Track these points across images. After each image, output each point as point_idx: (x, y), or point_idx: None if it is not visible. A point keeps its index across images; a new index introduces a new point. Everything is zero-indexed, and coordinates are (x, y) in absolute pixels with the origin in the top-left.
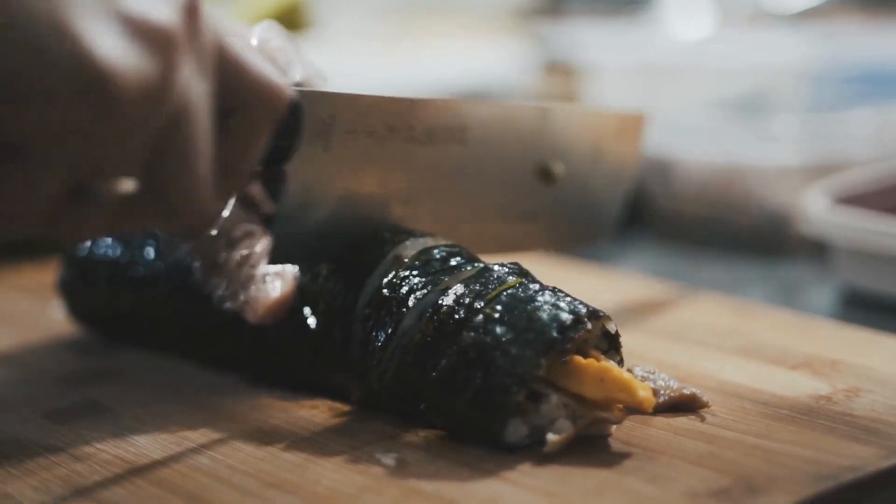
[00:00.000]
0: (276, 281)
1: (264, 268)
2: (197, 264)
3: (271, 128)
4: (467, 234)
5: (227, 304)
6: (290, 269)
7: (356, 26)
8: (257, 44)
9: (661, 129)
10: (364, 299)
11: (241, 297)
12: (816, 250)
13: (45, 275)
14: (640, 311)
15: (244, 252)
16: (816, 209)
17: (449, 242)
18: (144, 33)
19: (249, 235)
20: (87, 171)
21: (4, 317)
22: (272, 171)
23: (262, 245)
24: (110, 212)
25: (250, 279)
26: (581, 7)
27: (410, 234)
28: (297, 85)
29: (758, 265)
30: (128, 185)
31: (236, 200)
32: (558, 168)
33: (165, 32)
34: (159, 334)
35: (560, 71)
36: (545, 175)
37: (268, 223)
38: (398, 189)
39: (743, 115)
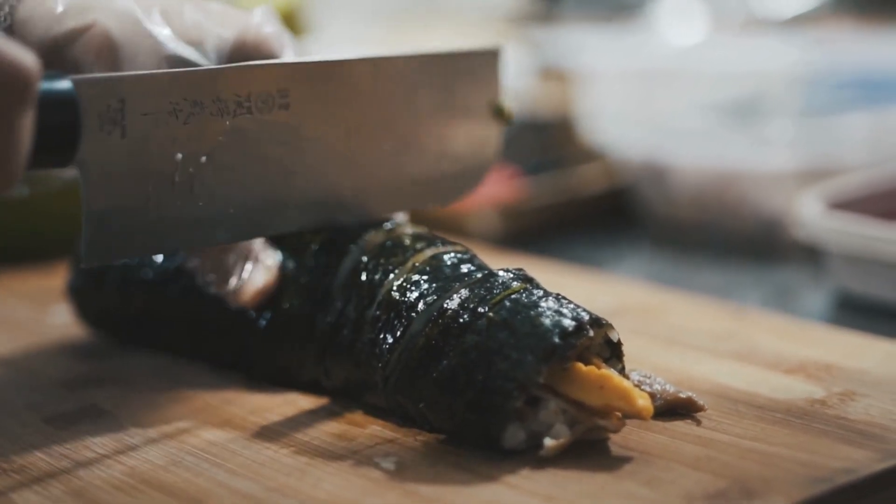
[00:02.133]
0: (260, 267)
1: (250, 255)
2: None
3: (19, 114)
4: (307, 203)
5: (213, 290)
6: (275, 257)
7: (351, 31)
8: (260, 24)
9: (655, 133)
10: (338, 283)
11: (227, 284)
12: (810, 255)
13: (46, 280)
14: (636, 316)
15: None
16: (810, 214)
17: (460, 248)
18: None
19: None
20: None
21: (5, 322)
22: (61, 166)
23: None
24: None
25: (236, 265)
26: (575, 13)
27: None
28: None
29: (752, 269)
30: None
31: None
32: (509, 107)
33: None
34: (169, 336)
35: (554, 76)
36: (498, 114)
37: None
38: (219, 165)
39: (737, 120)
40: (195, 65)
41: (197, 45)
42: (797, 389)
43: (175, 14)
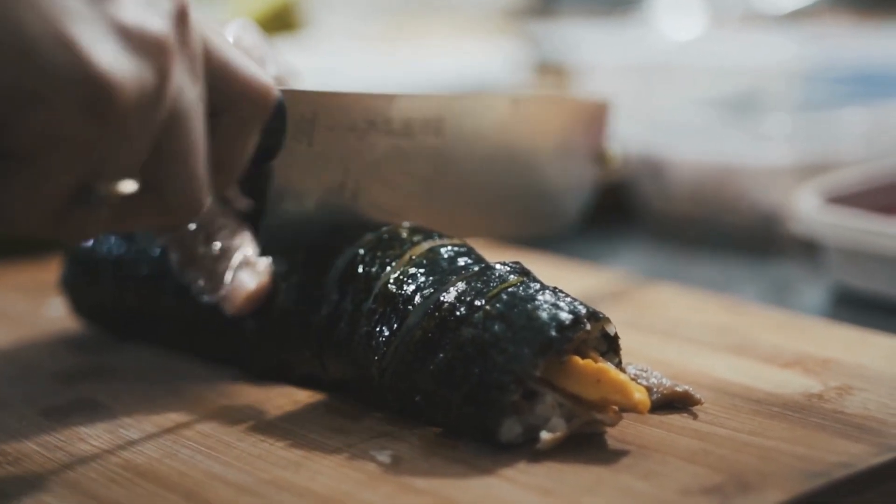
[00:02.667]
0: (251, 273)
1: (240, 260)
2: (175, 257)
3: (259, 125)
4: (441, 218)
5: (205, 297)
6: (265, 261)
7: (348, 26)
8: (232, 41)
9: (653, 128)
10: (332, 279)
11: (219, 290)
12: (808, 249)
13: (42, 273)
14: (633, 309)
15: (221, 245)
16: (808, 208)
17: (458, 241)
18: (140, 42)
19: (226, 229)
20: (88, 176)
21: (1, 315)
22: (259, 168)
23: (238, 239)
24: (111, 212)
25: (227, 272)
26: (573, 7)
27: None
28: (278, 84)
29: (749, 264)
30: (128, 185)
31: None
32: (612, 153)
33: (159, 41)
34: (164, 330)
35: (552, 71)
36: (603, 160)
37: (250, 218)
38: (381, 179)
39: (734, 114)
40: None
41: None
42: (794, 383)
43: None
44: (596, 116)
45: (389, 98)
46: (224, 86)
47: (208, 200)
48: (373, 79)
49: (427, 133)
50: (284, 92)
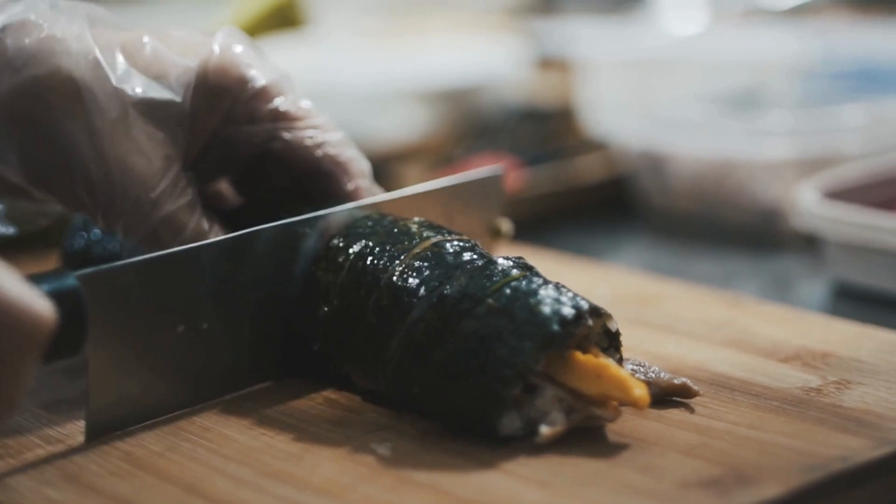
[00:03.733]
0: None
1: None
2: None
3: (35, 352)
4: None
5: None
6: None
7: (351, 23)
8: (223, 47)
9: (653, 123)
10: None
11: None
12: (808, 244)
13: (41, 269)
14: (632, 304)
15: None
16: (808, 203)
17: (464, 237)
18: None
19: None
20: None
21: None
22: (73, 355)
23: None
24: None
25: None
26: (574, 3)
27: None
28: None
29: (749, 259)
30: None
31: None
32: (506, 226)
33: None
34: None
35: (554, 67)
36: (496, 233)
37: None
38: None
39: (735, 109)
40: (163, 104)
41: (161, 78)
42: (793, 378)
43: (136, 49)
44: (488, 191)
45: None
46: None
47: None
48: (375, 75)
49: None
50: (82, 279)
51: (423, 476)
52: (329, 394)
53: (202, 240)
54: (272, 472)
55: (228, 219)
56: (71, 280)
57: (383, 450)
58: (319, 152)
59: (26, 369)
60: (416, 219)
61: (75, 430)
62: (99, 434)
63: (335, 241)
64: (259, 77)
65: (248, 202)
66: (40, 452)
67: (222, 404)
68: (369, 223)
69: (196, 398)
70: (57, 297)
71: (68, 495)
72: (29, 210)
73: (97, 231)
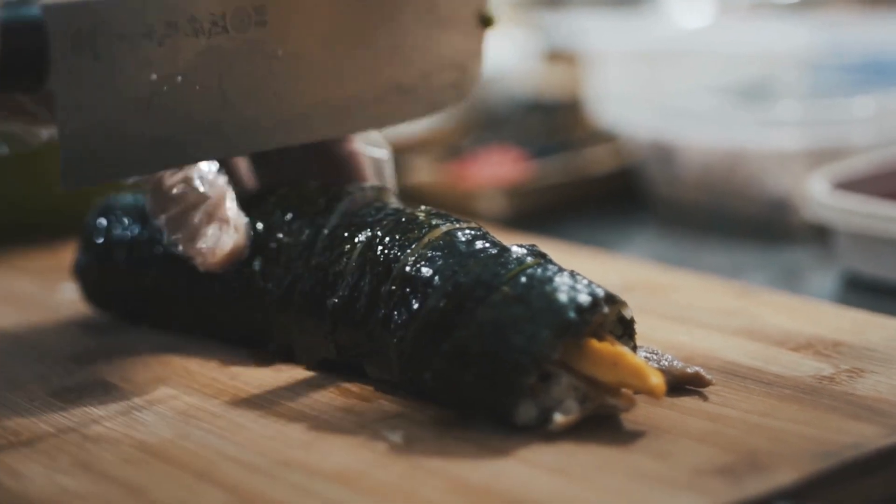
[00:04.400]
0: (229, 230)
1: (217, 216)
2: (149, 202)
3: None
4: (294, 127)
5: (180, 249)
6: (244, 220)
7: None
8: None
9: (662, 114)
10: (349, 261)
11: (194, 244)
12: (818, 235)
13: (54, 258)
14: (642, 294)
15: (200, 195)
16: (817, 194)
17: (475, 225)
18: None
19: (206, 181)
20: None
21: (13, 298)
22: (37, 91)
23: (218, 193)
24: None
25: (202, 225)
26: None
27: (361, 188)
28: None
29: (759, 250)
30: None
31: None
32: (491, 14)
33: None
34: (177, 312)
35: (562, 59)
36: (484, 21)
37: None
38: (196, 88)
39: (745, 101)
40: None
41: None
42: (805, 366)
43: None
44: None
45: None
46: None
47: None
48: None
49: (245, 27)
50: (44, 7)
51: (435, 463)
52: (340, 382)
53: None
54: (284, 459)
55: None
56: (35, 9)
57: (395, 437)
58: (344, 145)
59: None
60: (423, 207)
61: (87, 419)
62: (77, 182)
63: (339, 231)
64: None
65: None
66: (52, 440)
67: (233, 392)
68: (372, 211)
69: (179, 156)
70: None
71: (81, 483)
72: (18, 132)
73: (119, 214)
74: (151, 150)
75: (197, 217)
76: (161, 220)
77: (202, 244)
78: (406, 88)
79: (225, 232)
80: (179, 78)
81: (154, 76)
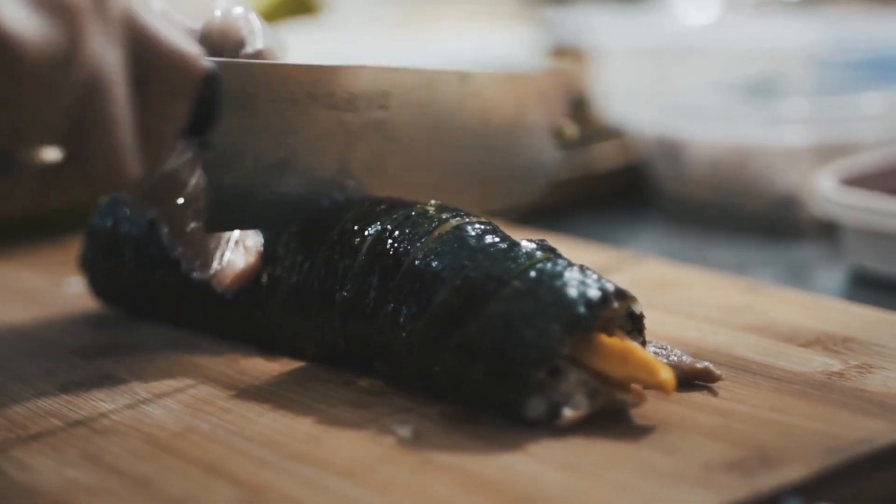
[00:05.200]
0: (241, 251)
1: (230, 238)
2: (165, 230)
3: (188, 95)
4: (394, 193)
5: (196, 274)
6: (256, 240)
7: (365, 10)
8: (225, 10)
9: (669, 111)
10: (359, 255)
11: (209, 268)
12: (825, 232)
13: (61, 252)
14: (650, 290)
15: None
16: (825, 191)
17: (484, 220)
18: (49, 3)
19: None
20: (4, 140)
21: (20, 292)
22: (197, 141)
23: None
24: (34, 182)
25: (217, 248)
26: None
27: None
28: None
29: (767, 247)
30: (50, 153)
31: None
32: (570, 129)
33: (69, 2)
34: (185, 309)
35: (568, 55)
36: (560, 134)
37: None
38: (325, 154)
39: (752, 97)
40: None
41: None
42: (815, 362)
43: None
44: (553, 90)
45: (331, 70)
46: (148, 53)
47: (138, 171)
48: (389, 63)
49: (372, 107)
50: (220, 63)
51: (444, 458)
52: (348, 376)
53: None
54: (293, 453)
55: None
56: (211, 65)
57: (405, 432)
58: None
59: (178, 109)
60: (433, 202)
61: (95, 412)
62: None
63: (349, 225)
64: (257, 41)
65: None
66: (60, 434)
67: (242, 387)
68: (382, 206)
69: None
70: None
71: (89, 476)
72: None
73: (125, 210)
74: (280, 206)
75: (212, 243)
76: (176, 247)
77: (215, 267)
78: (489, 183)
79: (237, 252)
80: (312, 144)
81: (292, 140)
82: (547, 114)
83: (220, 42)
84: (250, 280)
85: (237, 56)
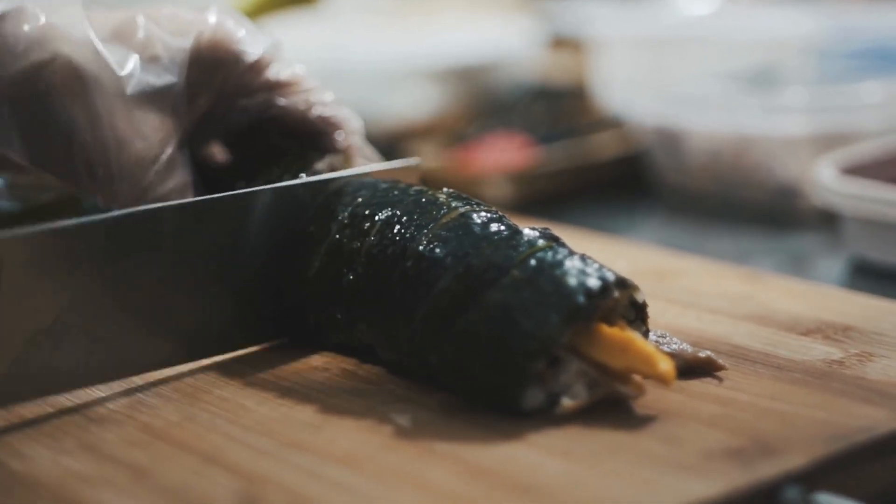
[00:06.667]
0: None
1: None
2: None
3: None
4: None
5: None
6: None
7: (363, 1)
8: (214, 23)
9: (668, 101)
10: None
11: None
12: (825, 221)
13: None
14: (650, 279)
15: None
16: (825, 180)
17: (492, 208)
18: None
19: None
20: None
21: None
22: None
23: None
24: None
25: None
26: None
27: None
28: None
29: (767, 236)
30: None
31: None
32: None
33: None
34: None
35: (567, 45)
36: None
37: None
38: (92, 313)
39: (752, 87)
40: (160, 86)
41: (156, 59)
42: (815, 350)
43: (131, 31)
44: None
45: (84, 227)
46: None
47: None
48: (387, 53)
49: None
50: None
51: (443, 446)
52: (347, 365)
53: None
54: (292, 442)
55: (222, 174)
56: None
57: (403, 420)
58: (312, 113)
59: None
60: (445, 189)
61: (91, 401)
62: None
63: (360, 209)
64: (250, 50)
65: (240, 159)
66: (55, 422)
67: (240, 375)
68: (395, 192)
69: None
70: None
71: (86, 464)
72: (32, 186)
73: None
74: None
75: None
76: None
77: None
78: None
79: None
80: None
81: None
82: None
83: (210, 59)
84: None
85: (237, 71)
